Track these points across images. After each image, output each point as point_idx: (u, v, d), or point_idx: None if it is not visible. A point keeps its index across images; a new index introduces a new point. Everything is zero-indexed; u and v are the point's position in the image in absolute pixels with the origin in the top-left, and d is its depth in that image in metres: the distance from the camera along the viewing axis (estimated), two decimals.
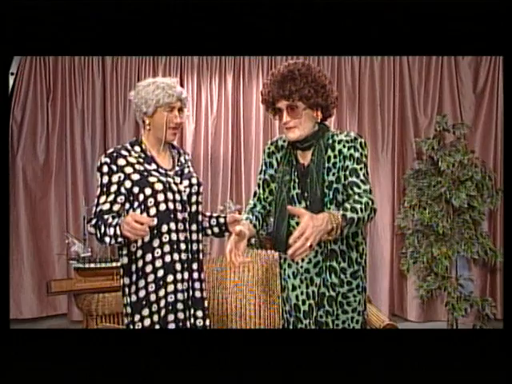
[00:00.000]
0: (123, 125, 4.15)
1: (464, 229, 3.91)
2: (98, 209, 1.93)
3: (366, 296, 2.00)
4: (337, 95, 1.93)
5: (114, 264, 3.27)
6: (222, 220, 2.17)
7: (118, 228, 1.80)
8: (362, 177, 1.79)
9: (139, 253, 1.93)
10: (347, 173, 1.81)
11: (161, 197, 1.93)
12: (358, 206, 1.68)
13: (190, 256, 2.01)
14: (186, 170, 2.09)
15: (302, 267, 1.93)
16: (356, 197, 1.73)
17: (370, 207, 1.71)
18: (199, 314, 2.04)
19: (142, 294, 1.93)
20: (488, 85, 4.19)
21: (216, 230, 2.18)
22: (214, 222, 2.17)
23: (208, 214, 2.22)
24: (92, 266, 3.26)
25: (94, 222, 1.91)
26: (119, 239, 1.81)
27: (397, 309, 4.26)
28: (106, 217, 1.89)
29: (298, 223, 1.90)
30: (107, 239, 1.85)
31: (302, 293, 1.93)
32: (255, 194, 2.09)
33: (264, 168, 2.05)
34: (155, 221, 1.84)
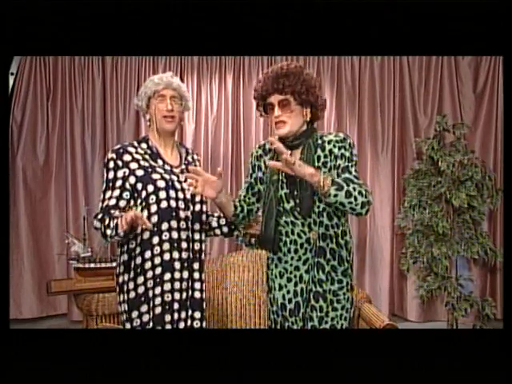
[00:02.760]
0: (123, 125, 4.14)
1: (464, 229, 3.91)
2: (105, 204, 1.93)
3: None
4: (325, 100, 2.00)
5: (114, 264, 3.25)
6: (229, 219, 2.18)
7: (119, 220, 1.79)
8: (354, 173, 1.87)
9: (138, 250, 1.94)
10: (339, 171, 1.88)
11: (162, 194, 1.94)
12: (352, 185, 1.79)
13: (191, 255, 2.00)
14: None
15: (291, 265, 1.95)
16: (352, 183, 1.82)
17: (365, 195, 1.81)
18: (197, 315, 2.02)
19: (140, 290, 1.93)
20: (488, 85, 4.18)
21: (225, 229, 2.19)
22: (223, 221, 2.18)
23: (216, 214, 2.22)
24: (92, 265, 3.25)
25: (100, 216, 1.91)
26: (119, 231, 1.80)
27: (397, 309, 4.25)
28: (111, 211, 1.90)
29: (286, 222, 1.93)
30: (109, 231, 1.83)
31: (288, 291, 1.95)
32: (239, 195, 2.12)
33: (251, 171, 2.08)
34: (149, 225, 1.82)
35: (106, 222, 1.85)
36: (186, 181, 2.00)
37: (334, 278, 1.92)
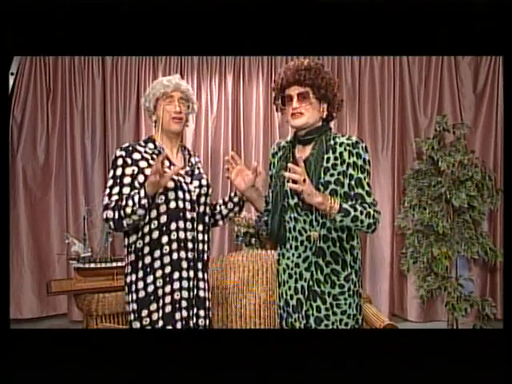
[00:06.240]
0: (123, 125, 4.14)
1: (464, 229, 3.91)
2: (113, 198, 1.92)
3: (362, 301, 1.99)
4: (342, 100, 2.00)
5: (114, 264, 3.27)
6: (236, 199, 2.23)
7: (142, 191, 1.82)
8: (366, 187, 1.86)
9: (146, 249, 1.96)
10: (352, 183, 1.86)
11: (171, 195, 1.97)
12: (360, 208, 1.80)
13: (196, 255, 2.04)
14: (197, 171, 2.14)
15: (292, 262, 1.96)
16: (361, 205, 1.83)
17: (372, 217, 1.82)
18: (201, 313, 2.06)
19: (150, 289, 1.96)
20: (488, 85, 4.18)
21: (236, 209, 2.23)
22: (231, 205, 2.22)
23: (218, 208, 2.25)
24: (92, 265, 3.25)
25: (112, 204, 1.90)
26: (143, 201, 1.81)
27: (397, 309, 4.25)
28: (125, 197, 1.90)
29: (290, 217, 1.95)
30: (128, 210, 1.83)
31: (290, 288, 1.97)
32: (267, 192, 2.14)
33: (268, 169, 2.15)
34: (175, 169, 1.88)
35: (124, 202, 1.85)
36: (191, 182, 2.05)
37: (334, 281, 1.89)
